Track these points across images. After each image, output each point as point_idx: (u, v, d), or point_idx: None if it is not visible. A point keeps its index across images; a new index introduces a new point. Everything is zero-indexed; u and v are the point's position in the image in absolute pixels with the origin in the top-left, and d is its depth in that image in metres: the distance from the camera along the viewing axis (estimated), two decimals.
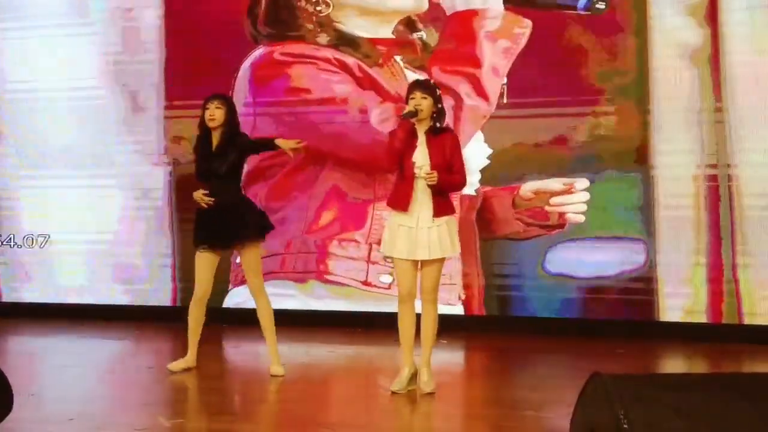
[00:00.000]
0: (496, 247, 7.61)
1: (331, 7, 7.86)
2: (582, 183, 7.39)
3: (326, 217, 7.85)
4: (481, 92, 7.48)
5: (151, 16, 8.24)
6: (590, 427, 4.00)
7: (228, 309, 7.97)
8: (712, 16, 7.05)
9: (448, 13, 7.62)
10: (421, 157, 5.55)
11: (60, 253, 8.48)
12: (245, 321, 7.28)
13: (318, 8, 7.87)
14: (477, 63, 7.48)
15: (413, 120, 5.54)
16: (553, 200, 7.45)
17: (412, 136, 5.58)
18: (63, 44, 8.44)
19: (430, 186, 5.50)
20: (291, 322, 7.69)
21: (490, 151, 7.54)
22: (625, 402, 3.88)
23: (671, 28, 7.17)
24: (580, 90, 7.37)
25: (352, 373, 6.73)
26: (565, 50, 7.37)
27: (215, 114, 6.13)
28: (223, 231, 6.16)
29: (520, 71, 7.46)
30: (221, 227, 6.14)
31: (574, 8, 7.30)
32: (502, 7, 7.48)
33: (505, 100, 7.50)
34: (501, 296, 7.63)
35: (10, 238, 8.59)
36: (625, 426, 3.83)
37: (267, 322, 6.28)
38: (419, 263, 5.66)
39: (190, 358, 6.35)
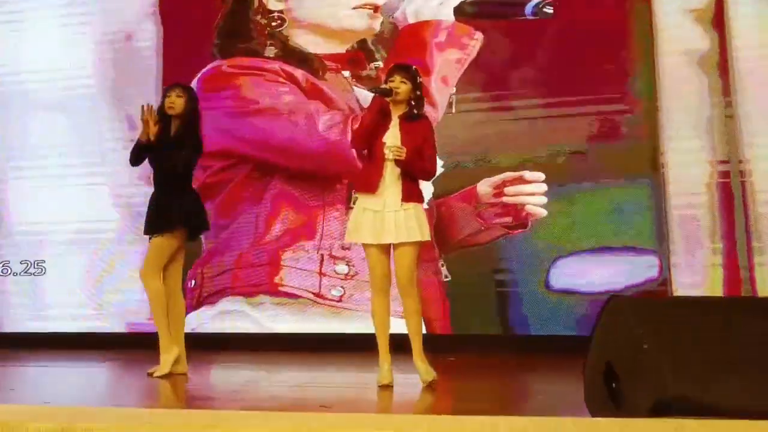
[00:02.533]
0: (487, 257, 7.68)
1: (286, 23, 8.11)
2: (534, 174, 7.57)
3: (277, 228, 7.96)
4: (429, 101, 7.61)
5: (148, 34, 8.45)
6: (609, 351, 4.14)
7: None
8: (718, 21, 7.30)
9: (400, 27, 7.92)
10: (392, 139, 5.62)
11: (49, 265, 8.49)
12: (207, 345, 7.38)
13: (273, 23, 8.12)
14: (426, 72, 7.70)
15: (388, 100, 5.63)
16: (508, 190, 7.60)
17: (386, 117, 5.67)
18: (56, 38, 8.60)
19: (398, 164, 5.56)
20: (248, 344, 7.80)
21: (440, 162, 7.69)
22: (645, 323, 4.05)
23: (678, 34, 7.39)
24: (588, 96, 7.54)
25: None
26: (571, 56, 7.58)
27: (175, 102, 6.25)
28: (151, 218, 6.27)
29: (529, 78, 7.67)
30: (152, 214, 6.26)
31: (523, 15, 7.62)
32: (452, 18, 7.78)
33: (453, 110, 7.75)
34: (489, 311, 7.68)
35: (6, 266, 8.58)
36: (646, 346, 4.00)
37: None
38: (391, 252, 5.68)
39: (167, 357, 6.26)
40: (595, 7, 7.61)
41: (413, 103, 5.72)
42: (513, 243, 7.61)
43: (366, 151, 5.77)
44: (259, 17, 8.18)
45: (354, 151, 6.38)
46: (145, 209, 6.36)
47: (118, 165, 8.26)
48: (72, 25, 8.64)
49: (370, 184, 5.65)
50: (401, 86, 5.66)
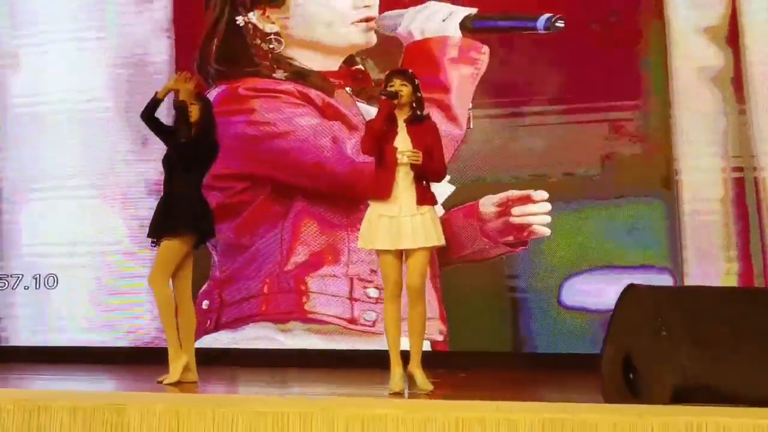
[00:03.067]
0: (498, 273, 7.62)
1: (284, 44, 8.19)
2: (541, 194, 7.52)
3: (301, 251, 7.92)
4: (452, 118, 7.67)
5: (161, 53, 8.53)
6: (626, 340, 4.14)
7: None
8: (733, 38, 7.25)
9: (405, 43, 7.90)
10: (402, 143, 5.64)
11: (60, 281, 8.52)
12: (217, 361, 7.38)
13: (271, 46, 8.19)
14: (445, 89, 7.70)
15: (395, 102, 5.65)
16: (515, 210, 7.55)
17: (392, 122, 5.70)
18: (71, 60, 8.69)
19: (413, 167, 5.58)
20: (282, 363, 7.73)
21: (452, 187, 7.66)
22: (663, 310, 4.05)
23: (692, 50, 7.34)
24: (600, 114, 7.49)
25: None
26: (583, 73, 7.53)
27: (191, 111, 6.30)
28: (159, 221, 6.26)
29: (539, 94, 7.64)
30: (159, 217, 6.26)
31: (534, 29, 7.59)
32: (459, 33, 7.78)
33: (471, 126, 7.72)
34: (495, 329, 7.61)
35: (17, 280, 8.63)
36: (664, 333, 4.01)
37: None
38: (404, 257, 5.67)
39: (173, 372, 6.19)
40: (607, 23, 7.55)
41: (415, 105, 5.75)
42: (525, 260, 7.56)
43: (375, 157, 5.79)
44: (258, 41, 8.22)
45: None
46: None
47: (130, 182, 8.35)
48: (86, 47, 8.70)
49: (383, 189, 5.64)
50: (403, 89, 5.68)
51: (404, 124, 5.72)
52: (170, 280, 6.24)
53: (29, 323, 8.65)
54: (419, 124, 5.74)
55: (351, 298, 7.77)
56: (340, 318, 7.78)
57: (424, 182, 5.69)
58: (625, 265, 7.27)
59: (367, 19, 8.04)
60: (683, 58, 7.37)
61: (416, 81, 5.78)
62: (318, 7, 8.17)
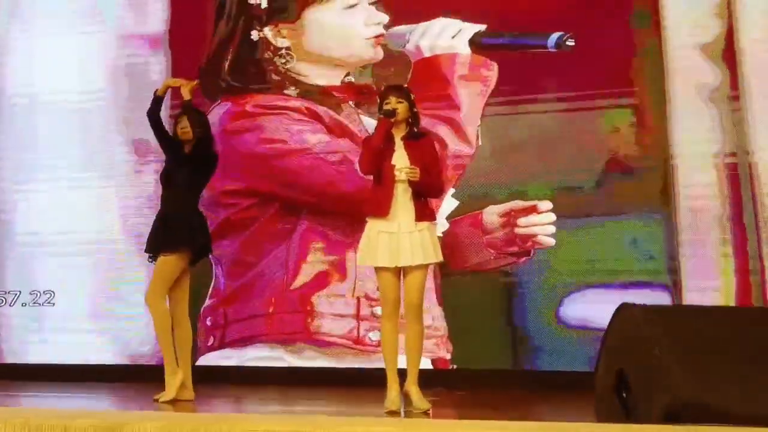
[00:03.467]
0: (497, 289, 7.64)
1: (295, 58, 8.26)
2: (545, 204, 7.54)
3: (307, 270, 7.93)
4: (462, 136, 7.68)
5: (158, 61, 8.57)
6: (619, 359, 4.18)
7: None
8: (729, 54, 7.26)
9: (413, 59, 7.92)
10: (401, 160, 5.71)
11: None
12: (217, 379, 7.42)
13: (282, 60, 8.26)
14: (455, 107, 7.72)
15: (392, 120, 5.72)
16: (522, 221, 7.56)
17: (389, 140, 5.76)
18: (68, 59, 8.73)
19: (411, 184, 5.64)
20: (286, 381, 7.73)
21: (456, 202, 7.73)
22: (656, 329, 4.10)
23: (689, 68, 7.36)
24: (599, 131, 7.51)
25: None
26: (583, 87, 7.55)
27: (188, 128, 6.36)
28: (157, 237, 6.31)
29: (537, 110, 7.69)
30: (157, 233, 6.31)
31: (544, 47, 7.60)
32: (468, 50, 7.79)
33: (480, 142, 7.73)
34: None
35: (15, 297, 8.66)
36: (657, 352, 4.05)
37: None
38: (401, 275, 5.73)
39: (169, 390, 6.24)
40: (605, 38, 7.56)
41: (411, 121, 5.82)
42: (525, 276, 7.58)
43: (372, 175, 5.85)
44: (269, 55, 8.26)
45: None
46: None
47: (128, 191, 8.38)
48: (85, 49, 8.72)
49: (381, 207, 5.71)
50: (399, 106, 5.76)
51: (401, 142, 5.79)
52: (167, 296, 6.28)
53: (25, 341, 8.65)
54: (416, 141, 5.82)
55: (357, 317, 7.78)
56: (346, 338, 7.79)
57: (423, 198, 5.76)
58: (624, 282, 7.30)
59: (378, 36, 8.08)
60: (681, 76, 7.39)
61: (412, 97, 5.86)
62: (330, 23, 8.20)
